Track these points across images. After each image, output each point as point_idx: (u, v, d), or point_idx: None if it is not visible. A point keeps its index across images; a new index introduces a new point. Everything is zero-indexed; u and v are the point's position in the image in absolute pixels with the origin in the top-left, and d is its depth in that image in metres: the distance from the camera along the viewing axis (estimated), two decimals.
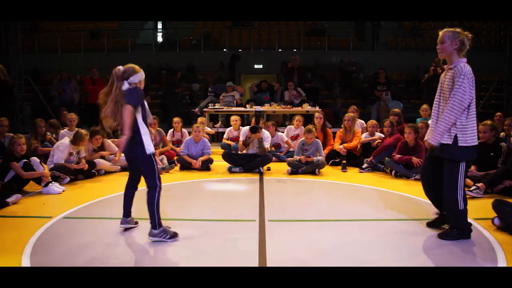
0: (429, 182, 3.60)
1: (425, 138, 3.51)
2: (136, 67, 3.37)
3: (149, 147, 3.29)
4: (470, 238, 3.35)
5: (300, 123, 7.50)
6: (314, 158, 6.16)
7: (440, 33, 3.34)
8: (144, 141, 3.26)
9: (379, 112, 9.77)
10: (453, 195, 3.30)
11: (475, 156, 3.40)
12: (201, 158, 6.30)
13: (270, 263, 2.92)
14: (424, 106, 7.54)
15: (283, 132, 7.43)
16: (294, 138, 7.31)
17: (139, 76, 3.33)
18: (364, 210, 4.26)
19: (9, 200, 4.36)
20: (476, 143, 3.33)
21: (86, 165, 5.66)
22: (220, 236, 3.52)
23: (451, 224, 3.43)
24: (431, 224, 3.70)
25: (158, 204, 3.33)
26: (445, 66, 3.42)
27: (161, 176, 5.58)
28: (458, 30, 3.30)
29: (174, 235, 3.37)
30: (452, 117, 3.19)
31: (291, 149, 7.07)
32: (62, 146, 5.57)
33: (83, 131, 5.75)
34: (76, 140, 5.62)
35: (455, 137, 3.24)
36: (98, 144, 6.19)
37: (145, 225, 3.77)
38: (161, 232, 3.32)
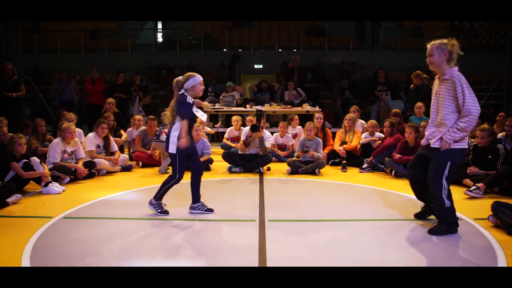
0: (415, 178, 3.72)
1: (431, 139, 3.45)
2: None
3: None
4: (457, 232, 3.45)
5: (297, 121, 7.52)
6: (314, 152, 6.16)
7: (428, 46, 3.38)
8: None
9: (379, 112, 9.76)
10: (439, 195, 3.40)
11: (462, 160, 3.48)
12: (200, 159, 6.29)
13: (270, 263, 2.92)
14: (419, 103, 7.31)
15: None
16: (293, 137, 7.31)
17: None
18: (364, 210, 4.26)
19: (9, 200, 4.35)
20: (465, 147, 3.40)
21: (85, 170, 5.63)
22: (220, 236, 3.52)
23: (439, 219, 3.54)
24: (419, 216, 3.86)
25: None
26: (436, 76, 3.46)
27: (161, 176, 5.72)
28: (445, 41, 3.33)
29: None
30: (471, 123, 3.23)
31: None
32: (54, 145, 5.61)
33: (67, 124, 5.74)
34: (62, 134, 5.63)
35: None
36: (104, 133, 6.21)
37: (143, 226, 3.78)
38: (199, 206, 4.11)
